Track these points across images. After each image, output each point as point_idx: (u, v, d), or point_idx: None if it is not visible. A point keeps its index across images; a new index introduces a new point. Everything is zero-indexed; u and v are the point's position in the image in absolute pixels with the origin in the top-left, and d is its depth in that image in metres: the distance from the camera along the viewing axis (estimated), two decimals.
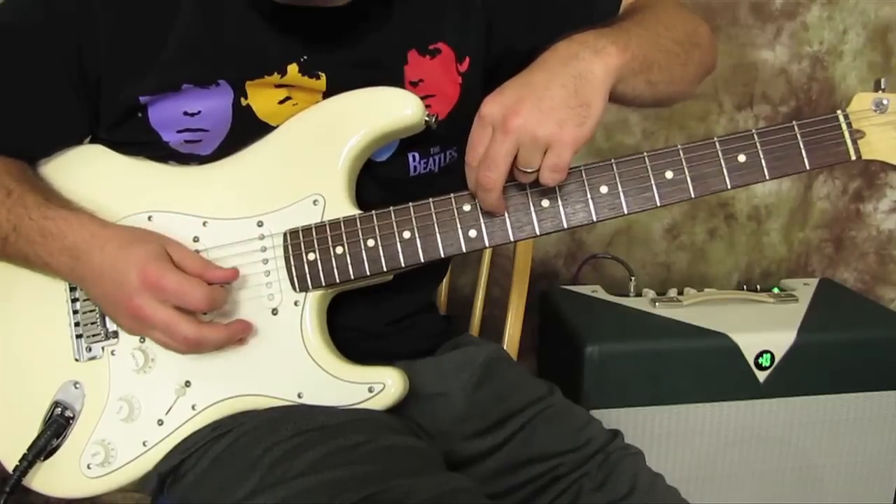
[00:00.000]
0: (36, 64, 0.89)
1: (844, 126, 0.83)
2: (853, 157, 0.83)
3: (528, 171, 0.79)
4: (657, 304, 1.65)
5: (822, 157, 0.83)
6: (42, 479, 0.93)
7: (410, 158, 0.95)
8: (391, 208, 0.86)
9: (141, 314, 0.82)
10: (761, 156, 0.83)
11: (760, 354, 1.52)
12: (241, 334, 0.87)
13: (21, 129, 0.93)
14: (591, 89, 0.78)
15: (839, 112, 0.83)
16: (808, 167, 0.83)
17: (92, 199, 0.91)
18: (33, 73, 0.90)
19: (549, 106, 0.77)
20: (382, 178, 0.94)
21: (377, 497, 0.75)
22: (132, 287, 0.82)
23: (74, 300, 0.93)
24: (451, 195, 0.86)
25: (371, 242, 0.86)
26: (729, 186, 0.84)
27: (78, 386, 0.92)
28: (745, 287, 1.79)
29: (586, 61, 0.79)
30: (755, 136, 0.83)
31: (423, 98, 0.92)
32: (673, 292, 1.71)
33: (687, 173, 0.83)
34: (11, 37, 0.90)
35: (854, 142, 0.83)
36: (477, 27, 0.97)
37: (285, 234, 0.88)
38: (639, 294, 1.73)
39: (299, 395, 0.87)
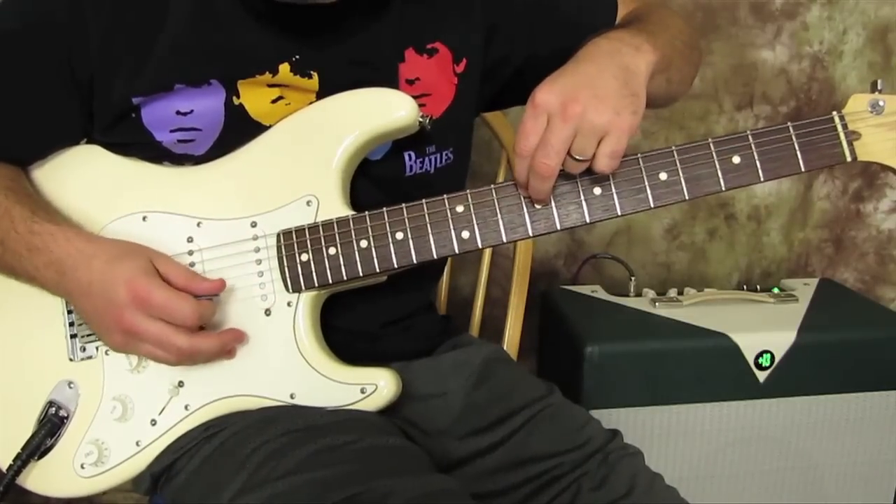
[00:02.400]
0: (28, 68, 0.89)
1: (840, 127, 0.82)
2: (848, 159, 0.82)
3: (581, 159, 0.79)
4: (657, 304, 1.65)
5: (817, 159, 0.83)
6: (36, 479, 0.93)
7: (406, 157, 0.95)
8: (384, 209, 0.86)
9: (133, 329, 0.82)
10: (756, 157, 0.82)
11: (760, 354, 1.51)
12: (232, 343, 0.87)
13: (14, 133, 0.93)
14: (638, 81, 0.80)
15: (835, 113, 0.83)
16: (803, 169, 0.83)
17: (87, 199, 0.92)
18: (26, 78, 0.90)
19: (605, 94, 0.78)
20: (378, 178, 0.93)
21: (360, 497, 0.75)
22: (122, 303, 0.81)
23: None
24: (444, 196, 0.86)
25: (364, 243, 0.86)
26: (723, 188, 0.83)
27: (72, 385, 0.92)
28: (745, 287, 1.79)
29: (629, 56, 0.81)
30: (750, 138, 0.82)
31: (418, 97, 0.92)
32: (673, 292, 1.70)
33: (681, 174, 0.83)
34: (3, 42, 0.90)
35: (850, 143, 0.82)
36: (476, 30, 0.97)
37: (278, 235, 0.88)
38: (639, 294, 1.73)
39: (292, 396, 0.87)
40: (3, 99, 0.91)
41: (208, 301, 0.85)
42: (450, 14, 0.96)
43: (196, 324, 0.83)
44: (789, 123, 0.82)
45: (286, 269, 0.87)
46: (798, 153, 0.82)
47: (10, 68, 0.90)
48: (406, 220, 0.86)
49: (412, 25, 0.94)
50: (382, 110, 0.88)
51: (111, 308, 0.82)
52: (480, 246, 0.85)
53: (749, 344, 1.51)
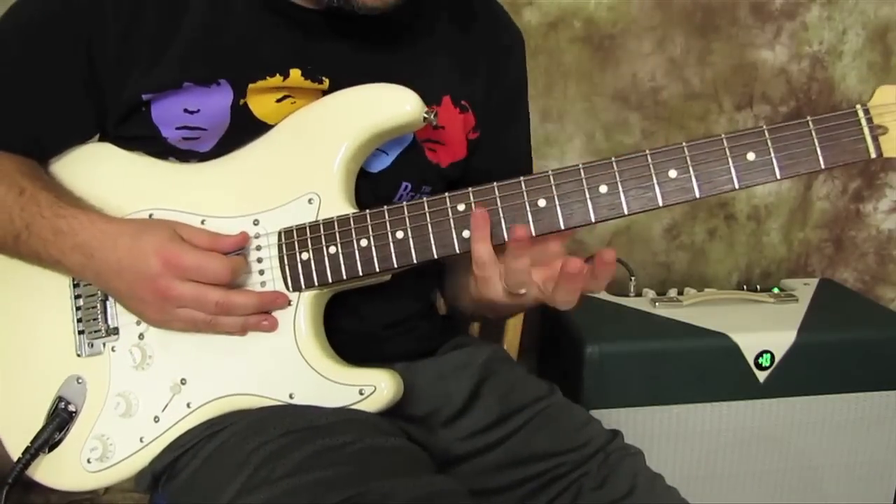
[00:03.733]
0: (47, 61, 0.90)
1: (864, 121, 0.76)
2: (873, 156, 0.76)
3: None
4: (657, 304, 1.65)
5: (838, 155, 0.76)
6: (45, 472, 0.94)
7: (402, 185, 0.95)
8: (385, 207, 0.84)
9: (168, 294, 0.83)
10: (772, 154, 0.77)
11: (760, 354, 1.51)
12: (272, 304, 0.86)
13: (34, 126, 0.94)
14: None
15: (858, 106, 0.76)
16: (822, 166, 0.77)
17: (96, 198, 0.92)
18: (44, 71, 0.91)
19: None
20: (373, 188, 0.93)
21: (358, 499, 0.74)
22: (155, 271, 0.82)
23: (77, 296, 0.94)
24: (446, 194, 0.83)
25: (364, 242, 0.84)
26: (737, 186, 0.78)
27: (80, 381, 0.93)
28: (745, 287, 1.80)
29: None
30: (766, 133, 0.77)
31: (433, 141, 0.93)
32: (673, 292, 1.71)
33: (692, 172, 0.78)
34: (23, 35, 0.91)
35: (875, 138, 0.76)
36: (494, 110, 1.01)
37: (279, 233, 0.87)
38: (639, 294, 1.73)
39: (291, 396, 0.87)
40: (22, 90, 0.92)
41: (237, 256, 0.86)
42: (482, 83, 0.99)
43: (229, 278, 0.84)
44: (809, 118, 0.76)
45: (286, 268, 0.86)
46: (818, 149, 0.76)
47: (28, 59, 0.90)
48: (407, 219, 0.83)
49: (455, 75, 0.96)
50: (387, 106, 0.86)
51: (144, 280, 0.83)
52: None
53: (749, 344, 1.51)
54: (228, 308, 0.84)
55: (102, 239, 0.85)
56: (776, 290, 1.74)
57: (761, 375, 1.53)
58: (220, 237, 0.87)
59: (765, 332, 1.54)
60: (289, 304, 0.87)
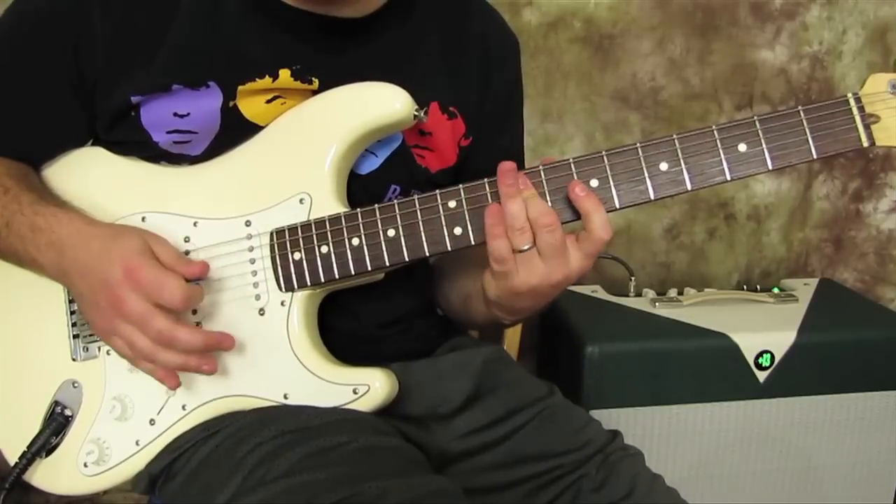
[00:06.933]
0: (35, 67, 0.90)
1: (855, 110, 0.76)
2: (865, 144, 0.76)
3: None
4: (657, 304, 1.65)
5: (830, 145, 0.76)
6: (42, 476, 0.94)
7: (390, 188, 0.95)
8: (376, 206, 0.84)
9: (120, 305, 0.80)
10: (763, 144, 0.77)
11: (760, 354, 1.51)
12: (218, 346, 0.84)
13: (24, 132, 0.94)
14: None
15: (849, 94, 0.76)
16: (815, 155, 0.76)
17: (89, 202, 0.92)
18: (33, 77, 0.91)
19: None
20: (362, 189, 0.93)
21: (351, 500, 0.74)
22: (114, 279, 0.80)
23: (71, 300, 0.93)
24: (437, 192, 0.83)
25: (356, 241, 0.84)
26: (728, 178, 0.78)
27: (76, 385, 0.93)
28: (745, 287, 1.80)
29: None
30: (757, 124, 0.77)
31: (421, 147, 0.92)
32: (673, 292, 1.71)
33: (683, 164, 0.78)
34: (10, 41, 0.91)
35: (867, 127, 0.75)
36: (485, 118, 1.00)
37: (271, 234, 0.87)
38: (639, 294, 1.73)
39: (285, 397, 0.87)
40: (11, 95, 0.92)
41: (198, 286, 0.83)
42: (474, 89, 0.99)
43: (182, 305, 0.80)
44: (800, 107, 0.76)
45: (279, 268, 0.86)
46: (809, 139, 0.76)
47: (17, 65, 0.91)
48: (398, 217, 0.83)
49: (440, 81, 0.96)
50: (377, 104, 0.86)
51: (103, 285, 0.81)
52: (473, 242, 0.82)
53: (749, 344, 1.51)
54: (171, 340, 0.80)
55: (77, 238, 0.85)
56: (776, 290, 1.74)
57: (761, 375, 1.53)
58: (185, 261, 0.85)
59: (765, 332, 1.54)
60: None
